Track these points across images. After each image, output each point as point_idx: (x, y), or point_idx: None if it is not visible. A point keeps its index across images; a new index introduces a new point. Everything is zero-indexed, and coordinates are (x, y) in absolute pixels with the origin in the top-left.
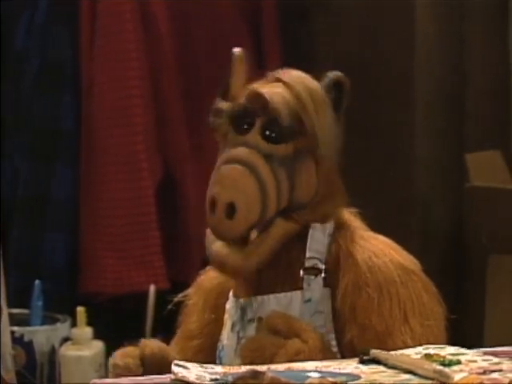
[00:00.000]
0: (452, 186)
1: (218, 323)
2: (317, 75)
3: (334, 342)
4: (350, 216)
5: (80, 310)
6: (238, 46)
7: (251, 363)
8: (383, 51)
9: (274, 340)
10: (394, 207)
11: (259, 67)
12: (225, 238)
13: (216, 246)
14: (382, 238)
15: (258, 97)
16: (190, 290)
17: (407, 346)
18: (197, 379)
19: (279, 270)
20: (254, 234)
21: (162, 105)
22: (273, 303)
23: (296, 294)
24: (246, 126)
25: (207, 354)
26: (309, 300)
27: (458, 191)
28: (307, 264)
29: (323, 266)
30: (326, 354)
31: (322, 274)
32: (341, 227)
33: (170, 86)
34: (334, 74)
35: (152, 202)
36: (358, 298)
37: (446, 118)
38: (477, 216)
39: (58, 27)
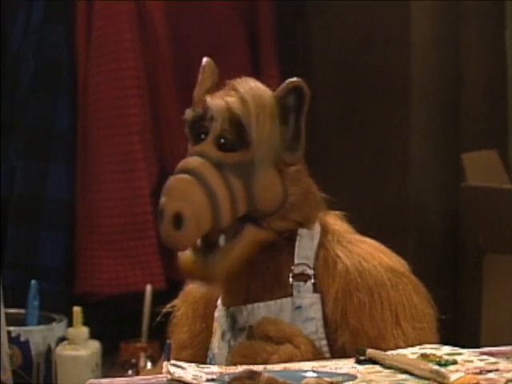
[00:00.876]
0: (448, 185)
1: (209, 332)
2: (310, 79)
3: (325, 349)
4: (335, 219)
5: (76, 309)
6: (234, 47)
7: None
8: (379, 52)
9: (265, 346)
10: (390, 207)
11: (256, 69)
12: (174, 247)
13: (183, 255)
14: (369, 241)
15: (208, 106)
16: (177, 300)
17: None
18: (193, 379)
19: (267, 278)
20: (222, 240)
21: (158, 105)
22: (263, 311)
23: (286, 301)
24: (202, 136)
25: (200, 364)
26: (299, 307)
27: (454, 191)
28: (296, 270)
29: (312, 272)
30: (318, 359)
31: (312, 280)
32: (327, 232)
33: (167, 87)
34: (290, 81)
35: (148, 202)
36: (348, 303)
37: (442, 117)
38: (473, 215)
39: (55, 28)
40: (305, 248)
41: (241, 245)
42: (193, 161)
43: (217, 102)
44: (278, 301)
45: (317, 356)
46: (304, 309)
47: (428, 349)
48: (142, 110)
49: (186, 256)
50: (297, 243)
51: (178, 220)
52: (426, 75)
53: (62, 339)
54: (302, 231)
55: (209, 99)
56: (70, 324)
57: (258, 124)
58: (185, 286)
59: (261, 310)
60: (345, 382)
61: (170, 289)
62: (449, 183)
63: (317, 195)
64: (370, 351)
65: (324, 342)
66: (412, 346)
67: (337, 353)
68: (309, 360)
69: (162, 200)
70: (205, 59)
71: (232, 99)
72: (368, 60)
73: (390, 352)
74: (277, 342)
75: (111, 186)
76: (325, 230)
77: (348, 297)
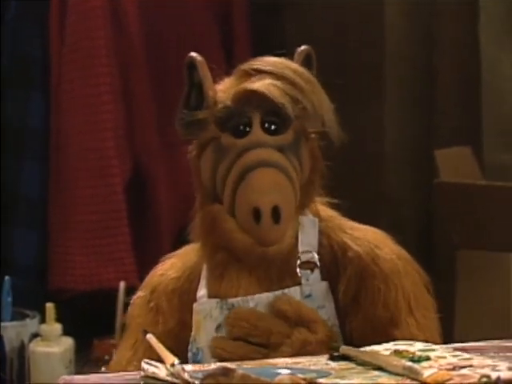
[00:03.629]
0: (421, 181)
1: (183, 325)
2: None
3: (340, 337)
4: (322, 206)
5: (49, 306)
6: (208, 44)
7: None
8: (353, 49)
9: (280, 327)
10: (362, 203)
11: (230, 66)
12: (273, 243)
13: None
14: (369, 227)
15: (251, 94)
16: (143, 292)
17: (414, 339)
18: (167, 376)
19: (272, 267)
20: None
21: (132, 102)
22: (271, 300)
23: (295, 290)
24: (241, 128)
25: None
26: (309, 295)
27: (427, 187)
28: (302, 258)
29: (318, 260)
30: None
31: (319, 268)
32: (323, 219)
33: (140, 84)
34: (303, 49)
35: (122, 199)
36: (362, 289)
37: (415, 114)
38: (446, 212)
39: (28, 24)
40: (308, 235)
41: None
42: (260, 152)
43: (264, 87)
44: (286, 290)
45: (328, 343)
46: (314, 297)
47: (401, 345)
48: (115, 106)
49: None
50: (300, 230)
51: (276, 214)
52: (400, 72)
53: (35, 335)
54: (303, 219)
55: (253, 87)
56: (43, 320)
57: (313, 94)
58: (148, 278)
59: (269, 299)
60: (319, 378)
61: None
62: (422, 180)
63: (321, 176)
64: (344, 348)
65: (337, 330)
66: (425, 335)
67: (345, 339)
68: (323, 349)
69: (251, 198)
70: (193, 54)
71: (272, 80)
72: (342, 56)
73: (363, 348)
74: (291, 323)
75: (84, 183)
76: (319, 217)
77: (362, 283)
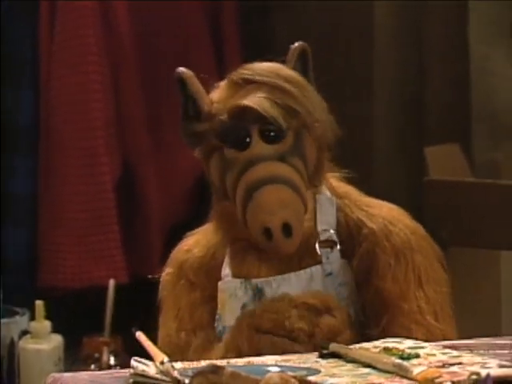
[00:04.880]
0: (411, 179)
1: (208, 303)
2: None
3: (358, 312)
4: (338, 182)
5: (39, 303)
6: (198, 44)
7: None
8: (342, 47)
9: (305, 321)
10: None
11: (220, 66)
12: (287, 254)
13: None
14: (386, 203)
15: (245, 110)
16: (170, 269)
17: (422, 312)
18: (157, 373)
19: None
20: None
21: (122, 100)
22: (294, 281)
23: (316, 269)
24: (240, 139)
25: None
26: (330, 273)
27: (416, 184)
28: (322, 237)
29: (336, 238)
30: (352, 330)
31: (338, 246)
32: (339, 196)
33: (130, 82)
34: (295, 47)
35: (111, 197)
36: (374, 264)
37: (404, 111)
38: (436, 209)
39: (18, 21)
40: (326, 214)
41: None
42: (264, 168)
43: (256, 102)
44: (308, 269)
45: (350, 325)
46: (335, 275)
47: (390, 342)
48: (105, 104)
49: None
50: (318, 209)
51: (286, 230)
52: (389, 70)
53: (24, 332)
54: (320, 197)
55: (246, 104)
56: (33, 318)
57: (304, 96)
58: (174, 253)
59: (292, 280)
60: (308, 376)
61: (133, 283)
62: (412, 177)
63: (328, 157)
64: (333, 345)
65: (358, 306)
66: (433, 308)
67: (357, 314)
68: (344, 330)
69: (260, 218)
70: (182, 69)
71: (263, 91)
72: (331, 55)
73: (352, 346)
74: (315, 313)
75: (74, 181)
76: (337, 194)
77: (374, 258)
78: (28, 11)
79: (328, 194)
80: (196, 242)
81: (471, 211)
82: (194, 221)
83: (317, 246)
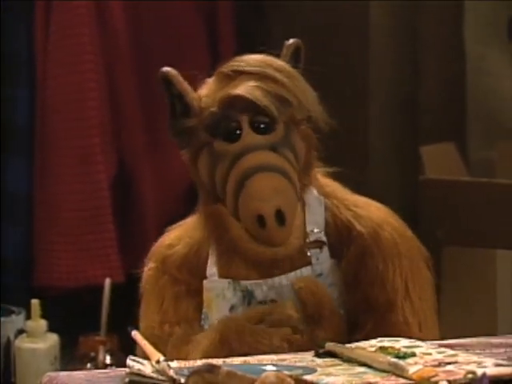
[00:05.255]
0: (406, 178)
1: (199, 292)
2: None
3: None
4: (324, 179)
5: (34, 302)
6: (193, 43)
7: None
8: (338, 47)
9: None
10: None
11: (215, 65)
12: (281, 243)
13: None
14: (373, 202)
15: (236, 99)
16: (152, 264)
17: (407, 323)
18: (153, 372)
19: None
20: None
21: (117, 99)
22: (284, 283)
23: (306, 270)
24: (232, 132)
25: None
26: (320, 274)
27: (412, 184)
28: (311, 238)
29: (325, 238)
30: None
31: (327, 246)
32: (327, 195)
33: (126, 80)
34: (292, 42)
35: (107, 196)
36: (362, 268)
37: (400, 110)
38: (431, 208)
39: (13, 20)
40: (315, 214)
41: None
42: (255, 157)
43: (247, 90)
44: (298, 271)
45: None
46: (325, 275)
47: (386, 341)
48: (100, 103)
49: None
50: (306, 209)
51: (280, 217)
52: (385, 69)
53: (20, 331)
54: (309, 197)
55: (237, 93)
56: (28, 317)
57: (295, 86)
58: (155, 248)
59: (282, 282)
60: (304, 375)
61: (129, 282)
62: (407, 176)
63: (316, 154)
64: (329, 344)
65: (347, 307)
66: (418, 318)
67: (347, 315)
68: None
69: (253, 205)
70: (166, 69)
71: (254, 81)
72: (327, 55)
73: (348, 345)
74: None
75: (69, 179)
76: (324, 193)
77: (362, 262)
78: (24, 10)
79: (315, 193)
80: (178, 238)
81: (467, 210)
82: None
83: (306, 246)
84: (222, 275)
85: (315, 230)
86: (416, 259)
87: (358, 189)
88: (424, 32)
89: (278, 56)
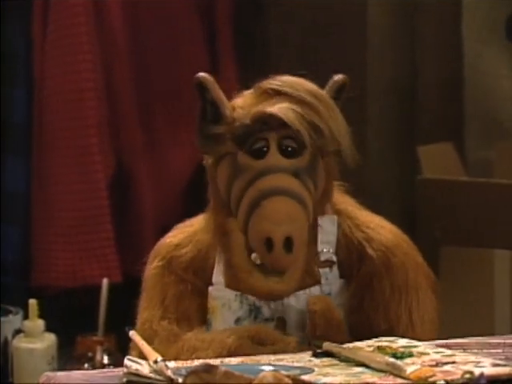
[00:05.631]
0: (404, 178)
1: (196, 304)
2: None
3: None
4: (340, 196)
5: (32, 302)
6: (191, 39)
7: None
8: (335, 45)
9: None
10: None
11: (213, 61)
12: (285, 269)
13: (256, 280)
14: (385, 224)
15: (269, 117)
16: (157, 262)
17: None
18: (151, 372)
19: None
20: None
21: (115, 99)
22: (292, 302)
23: (315, 290)
24: (258, 146)
25: None
26: (329, 294)
27: (410, 183)
28: (322, 257)
29: (335, 258)
30: None
31: (336, 266)
32: (340, 214)
33: (123, 81)
34: (340, 78)
35: (104, 196)
36: (367, 291)
37: (397, 110)
38: (429, 208)
39: (11, 20)
40: (327, 234)
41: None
42: (276, 179)
43: (282, 110)
44: (307, 290)
45: None
46: (334, 295)
47: (384, 341)
48: (98, 103)
49: (260, 283)
50: (319, 230)
51: (288, 244)
52: (382, 67)
53: (18, 331)
54: (322, 217)
55: (271, 110)
56: (26, 317)
57: (329, 116)
58: (162, 247)
59: (290, 301)
60: (302, 375)
61: (127, 282)
62: (405, 176)
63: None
64: (327, 344)
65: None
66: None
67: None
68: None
69: (264, 227)
70: (203, 75)
71: (289, 103)
72: (324, 53)
73: (346, 345)
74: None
75: (67, 179)
76: (337, 211)
77: (370, 287)
78: (21, 10)
79: (329, 211)
80: (187, 239)
81: (464, 210)
82: (188, 220)
83: (316, 266)
84: (229, 286)
85: (326, 250)
86: (423, 288)
87: (356, 189)
88: (422, 31)
89: (304, 76)
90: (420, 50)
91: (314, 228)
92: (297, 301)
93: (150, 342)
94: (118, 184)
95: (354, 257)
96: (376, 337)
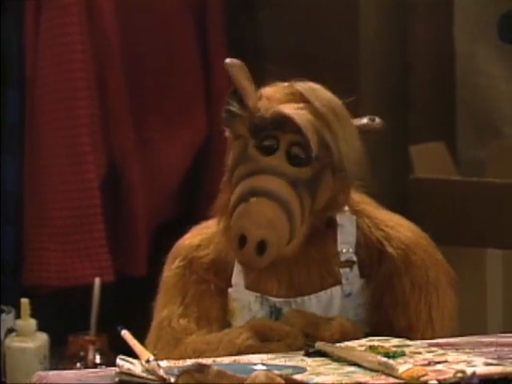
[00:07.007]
0: (396, 177)
1: (216, 305)
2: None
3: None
4: (358, 195)
5: (24, 301)
6: (183, 38)
7: None
8: (328, 43)
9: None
10: None
11: (205, 59)
12: (253, 269)
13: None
14: (404, 222)
15: (285, 119)
16: (178, 263)
17: None
18: (143, 372)
19: (312, 268)
20: None
21: (107, 97)
22: (314, 302)
23: (336, 290)
24: (268, 144)
25: None
26: (349, 294)
27: (402, 183)
28: (342, 258)
29: (356, 258)
30: None
31: (357, 266)
32: (359, 213)
33: (115, 80)
34: (379, 122)
35: (97, 195)
36: (387, 289)
37: (390, 109)
38: (421, 208)
39: (3, 19)
40: (346, 234)
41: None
42: (272, 182)
43: (299, 116)
44: (328, 290)
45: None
46: (354, 295)
47: (376, 341)
48: (90, 102)
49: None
50: (339, 230)
51: (261, 247)
52: (374, 67)
53: (10, 331)
54: (342, 217)
55: (288, 113)
56: (18, 316)
57: (342, 134)
58: (183, 248)
59: (312, 302)
60: (294, 374)
61: (119, 282)
62: (397, 175)
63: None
64: (319, 343)
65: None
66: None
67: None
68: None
69: (244, 224)
70: (233, 60)
71: (308, 111)
72: (316, 53)
73: (338, 344)
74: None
75: (59, 179)
76: (356, 211)
77: (389, 285)
78: (14, 10)
79: (348, 212)
80: (208, 240)
81: (456, 209)
82: (180, 219)
83: (337, 266)
84: (249, 288)
85: (346, 250)
86: (443, 285)
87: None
88: (414, 30)
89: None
90: (412, 50)
91: (313, 234)
92: (318, 301)
93: (166, 340)
94: (111, 183)
95: (373, 256)
96: (397, 335)
